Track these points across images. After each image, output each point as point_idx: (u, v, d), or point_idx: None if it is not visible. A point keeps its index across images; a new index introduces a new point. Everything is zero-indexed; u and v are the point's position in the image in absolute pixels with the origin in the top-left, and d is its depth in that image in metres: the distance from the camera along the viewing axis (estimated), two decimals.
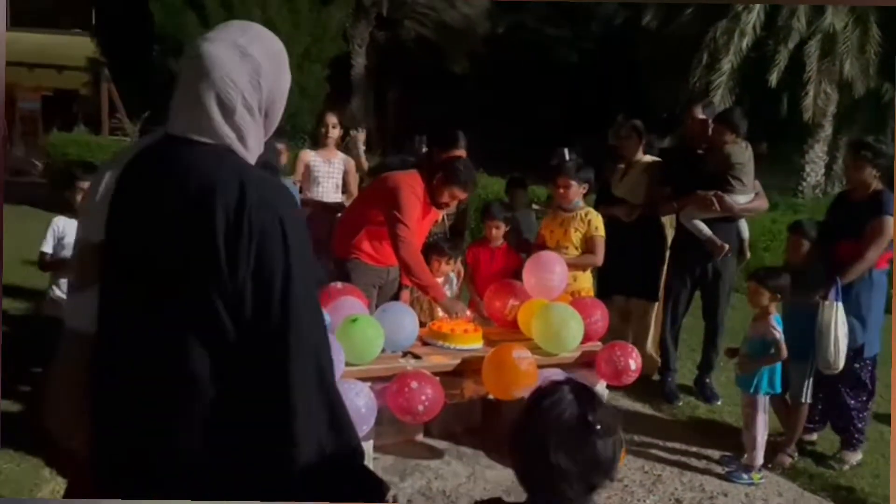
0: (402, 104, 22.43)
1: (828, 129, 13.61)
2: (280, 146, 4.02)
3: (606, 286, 5.16)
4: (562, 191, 4.20)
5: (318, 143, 4.83)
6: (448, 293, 4.23)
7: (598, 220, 4.17)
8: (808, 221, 4.07)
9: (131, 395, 1.34)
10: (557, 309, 3.56)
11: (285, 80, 1.45)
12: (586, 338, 3.69)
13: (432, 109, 21.04)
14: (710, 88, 13.36)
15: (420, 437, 3.87)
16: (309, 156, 4.68)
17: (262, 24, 1.39)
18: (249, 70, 1.37)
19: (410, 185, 3.70)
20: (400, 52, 20.55)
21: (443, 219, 4.53)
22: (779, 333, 3.60)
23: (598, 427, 1.35)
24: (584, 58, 20.81)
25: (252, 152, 1.41)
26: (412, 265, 3.63)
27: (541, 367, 3.51)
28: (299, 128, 16.63)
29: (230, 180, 1.31)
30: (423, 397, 3.06)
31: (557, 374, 3.46)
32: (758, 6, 12.51)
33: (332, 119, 4.78)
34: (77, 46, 21.28)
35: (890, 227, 3.57)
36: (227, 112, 1.36)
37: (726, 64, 13.10)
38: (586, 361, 3.67)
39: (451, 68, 20.81)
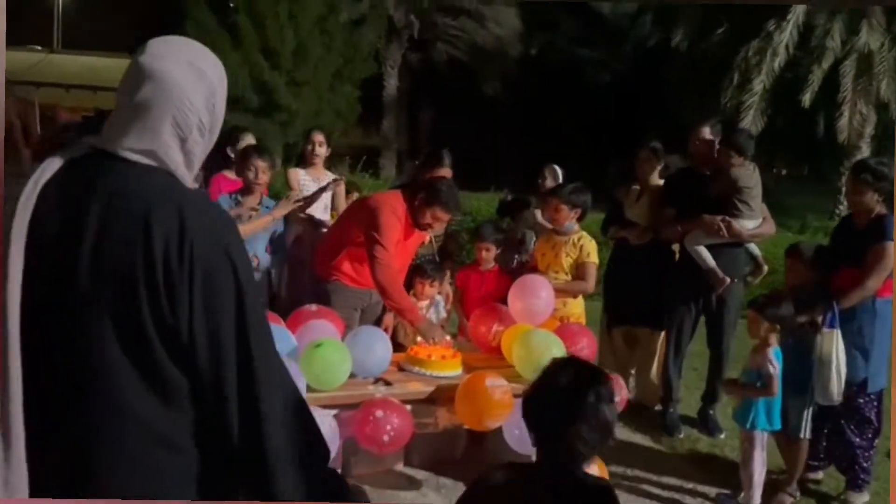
0: (435, 125, 22.53)
1: (865, 151, 13.22)
2: (262, 164, 3.98)
3: (612, 313, 5.02)
4: (552, 213, 4.08)
5: (306, 161, 4.78)
6: (434, 317, 4.14)
7: (590, 246, 4.03)
8: (807, 244, 3.88)
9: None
10: (539, 335, 3.42)
11: (225, 100, 1.41)
12: None
13: (464, 130, 21.14)
14: (741, 109, 13.14)
15: (400, 467, 3.75)
16: (298, 174, 4.65)
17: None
18: (206, 92, 1.33)
19: (391, 205, 3.61)
20: (432, 74, 20.66)
21: (431, 240, 4.44)
22: (773, 368, 3.40)
23: (606, 395, 1.67)
24: (616, 79, 20.65)
25: (193, 176, 1.37)
26: (387, 287, 3.53)
27: (520, 396, 3.38)
28: (331, 149, 16.83)
29: (169, 207, 1.24)
30: (389, 427, 2.94)
31: None
32: (790, 25, 12.24)
33: (318, 137, 4.74)
34: (117, 68, 21.96)
35: (891, 253, 3.37)
36: (182, 136, 1.31)
37: (758, 84, 12.85)
38: None
39: (484, 89, 20.82)
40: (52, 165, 1.30)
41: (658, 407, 4.74)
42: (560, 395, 1.68)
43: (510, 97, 20.65)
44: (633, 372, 4.99)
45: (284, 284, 4.45)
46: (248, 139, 4.77)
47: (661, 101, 16.26)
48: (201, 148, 1.36)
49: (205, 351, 1.23)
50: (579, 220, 4.19)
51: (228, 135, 4.82)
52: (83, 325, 1.21)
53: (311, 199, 4.40)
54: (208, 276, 1.22)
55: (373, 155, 18.78)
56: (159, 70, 1.29)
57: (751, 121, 12.58)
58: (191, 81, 1.30)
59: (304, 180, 4.63)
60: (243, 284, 1.26)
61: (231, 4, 16.05)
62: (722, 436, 4.43)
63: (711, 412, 4.56)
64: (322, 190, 4.47)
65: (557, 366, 1.77)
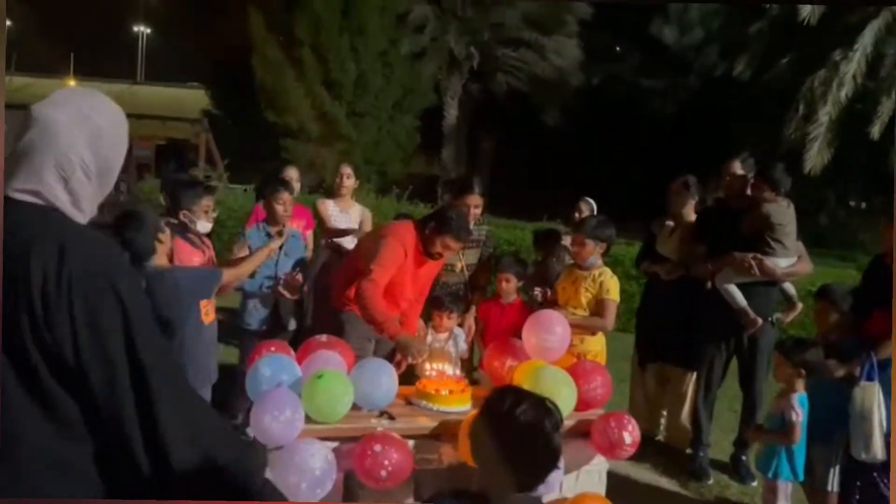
0: (494, 154, 22.60)
1: None
2: (289, 197, 4.10)
3: (643, 349, 4.90)
4: (576, 248, 4.02)
5: (334, 193, 4.87)
6: (454, 350, 4.11)
7: (611, 283, 3.95)
8: (840, 287, 3.69)
9: None
10: (548, 373, 3.35)
11: (123, 147, 1.48)
12: (584, 405, 3.45)
13: (523, 160, 21.13)
14: (806, 140, 12.70)
15: (409, 502, 3.71)
16: (327, 205, 4.73)
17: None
18: (89, 134, 1.39)
19: (400, 235, 3.63)
20: (492, 104, 20.79)
21: (463, 269, 4.42)
22: (797, 415, 3.24)
23: (555, 425, 1.76)
24: (680, 109, 20.32)
25: (86, 214, 1.43)
26: (366, 303, 3.48)
27: None
28: (390, 178, 17.09)
29: (49, 241, 1.30)
30: (387, 462, 2.92)
31: None
32: (857, 55, 11.81)
33: (346, 170, 4.83)
34: (191, 98, 22.90)
35: None
36: (65, 177, 1.37)
37: (824, 115, 12.43)
38: (582, 431, 3.42)
39: (543, 120, 20.81)
40: None
41: (689, 450, 4.56)
42: (513, 427, 1.73)
43: (570, 127, 20.57)
44: (663, 413, 4.83)
45: (310, 313, 4.52)
46: (292, 172, 4.89)
47: (726, 132, 15.92)
48: (90, 190, 1.41)
49: (98, 378, 1.28)
50: (605, 254, 4.11)
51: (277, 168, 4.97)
52: None
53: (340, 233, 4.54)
54: (90, 305, 1.27)
55: (433, 184, 18.97)
56: (44, 115, 1.37)
57: (816, 152, 12.16)
58: (73, 125, 1.37)
59: (333, 211, 4.72)
60: (129, 310, 1.30)
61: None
62: (754, 483, 4.23)
63: (744, 458, 4.37)
64: (345, 232, 4.58)
65: (501, 398, 1.80)
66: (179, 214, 3.61)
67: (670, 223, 4.75)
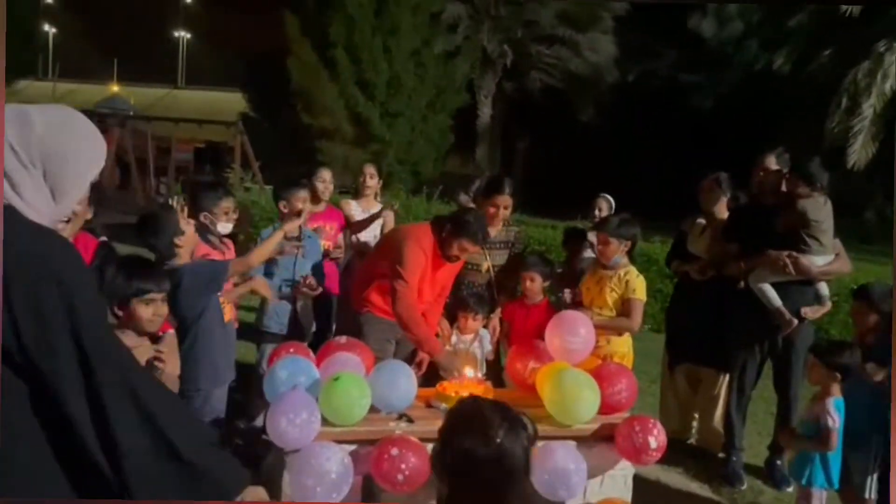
0: (529, 153, 22.48)
1: None
2: (305, 195, 4.08)
3: (674, 350, 4.78)
4: (600, 247, 3.92)
5: (358, 193, 4.85)
6: (479, 352, 4.05)
7: (637, 282, 3.84)
8: (879, 286, 3.53)
9: None
10: (570, 375, 3.27)
11: (75, 150, 1.51)
12: (609, 409, 3.36)
13: (558, 157, 20.96)
14: (849, 134, 12.33)
15: None
16: (351, 205, 4.72)
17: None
18: (20, 126, 1.43)
19: (417, 237, 3.59)
20: (526, 102, 20.67)
21: (489, 269, 4.35)
22: (833, 421, 3.10)
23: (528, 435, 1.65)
24: (718, 105, 19.92)
25: (35, 208, 1.44)
26: (405, 319, 3.49)
27: (554, 438, 3.24)
28: (424, 177, 17.09)
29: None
30: (403, 466, 2.87)
31: (566, 450, 3.18)
32: None
33: (370, 170, 4.81)
34: (227, 101, 23.24)
35: None
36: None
37: (868, 108, 12.05)
38: (607, 435, 3.33)
39: (578, 117, 20.63)
40: None
41: (722, 454, 4.43)
42: (489, 451, 1.60)
43: (605, 125, 20.35)
44: (695, 415, 4.71)
45: (335, 314, 4.50)
46: (325, 173, 4.89)
47: (766, 127, 15.57)
48: (29, 180, 1.43)
49: (44, 366, 1.31)
50: (629, 252, 4.01)
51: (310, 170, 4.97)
52: None
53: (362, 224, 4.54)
54: (31, 292, 1.30)
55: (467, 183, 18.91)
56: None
57: (860, 147, 11.80)
58: (9, 119, 1.42)
59: (356, 210, 4.70)
60: (74, 297, 1.33)
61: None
62: (790, 489, 4.07)
63: (779, 462, 4.22)
64: (372, 218, 4.55)
65: (483, 416, 1.67)
66: (199, 216, 3.62)
67: (701, 221, 4.62)
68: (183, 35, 42.08)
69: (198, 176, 15.90)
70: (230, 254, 3.73)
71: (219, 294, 3.27)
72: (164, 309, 2.63)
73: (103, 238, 2.98)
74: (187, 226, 3.19)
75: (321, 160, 15.21)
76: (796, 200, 4.06)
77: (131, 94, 28.68)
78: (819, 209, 4.06)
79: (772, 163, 4.32)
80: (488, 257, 4.20)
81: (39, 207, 1.45)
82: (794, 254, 4.03)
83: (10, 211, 1.40)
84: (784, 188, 4.20)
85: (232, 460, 1.54)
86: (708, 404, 4.59)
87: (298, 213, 3.94)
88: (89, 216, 2.32)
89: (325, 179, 4.75)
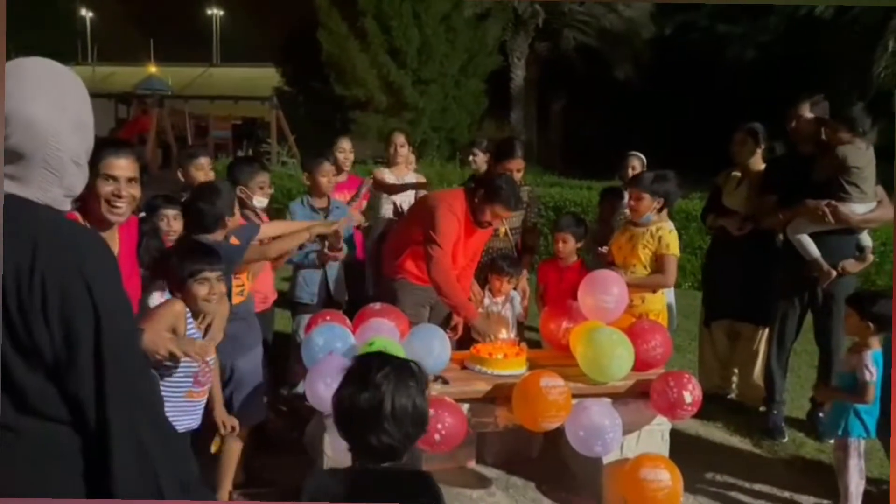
0: (566, 114, 22.15)
1: None
2: (329, 167, 4.14)
3: (711, 306, 4.75)
4: (633, 203, 3.89)
5: (389, 162, 4.88)
6: (510, 314, 4.09)
7: (670, 237, 3.80)
8: None
9: None
10: (604, 333, 3.29)
11: (90, 112, 1.40)
12: (644, 365, 3.38)
13: (595, 117, 20.62)
14: None
15: (472, 465, 3.74)
16: (383, 174, 4.75)
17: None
18: (70, 123, 1.34)
19: (449, 203, 3.61)
20: (560, 62, 20.32)
21: (507, 233, 4.35)
22: (870, 374, 3.06)
23: (418, 387, 1.65)
24: (760, 54, 19.29)
25: (28, 184, 1.32)
26: (441, 285, 3.54)
27: (589, 395, 3.27)
28: (459, 144, 17.01)
29: (23, 241, 1.26)
30: (440, 426, 2.94)
31: (601, 407, 3.21)
32: None
33: (399, 139, 4.82)
34: (261, 77, 23.37)
35: None
36: (58, 175, 1.34)
37: None
38: (642, 391, 3.35)
39: (615, 74, 20.20)
40: None
41: (762, 408, 4.41)
42: (369, 395, 1.62)
43: (643, 81, 19.90)
44: (735, 371, 4.68)
45: (370, 282, 4.56)
46: (345, 143, 4.92)
47: (811, 75, 15.06)
48: (82, 177, 1.38)
49: (69, 375, 1.27)
50: (664, 209, 3.96)
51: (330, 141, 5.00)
52: None
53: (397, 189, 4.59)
54: (63, 304, 1.25)
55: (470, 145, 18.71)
56: (21, 114, 1.29)
57: None
58: (53, 119, 1.31)
59: (389, 179, 4.73)
60: (100, 308, 1.27)
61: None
62: (832, 441, 4.04)
63: (821, 415, 4.16)
64: (406, 186, 4.59)
65: (363, 364, 1.70)
66: (236, 190, 3.68)
67: (736, 174, 4.54)
68: (216, 13, 42.26)
69: (237, 152, 16.03)
70: None
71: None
72: (221, 287, 2.68)
73: (142, 214, 3.03)
74: (236, 210, 3.26)
75: (355, 131, 15.26)
76: (835, 147, 3.97)
77: (168, 74, 29.00)
78: (860, 155, 3.95)
79: (805, 110, 4.21)
80: (504, 221, 4.20)
81: (74, 195, 1.39)
82: (833, 202, 3.94)
83: (33, 212, 1.31)
84: (823, 136, 4.10)
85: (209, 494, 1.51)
86: (747, 359, 4.55)
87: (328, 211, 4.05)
88: (138, 195, 2.35)
89: (344, 149, 4.80)
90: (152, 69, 31.63)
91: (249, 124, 20.88)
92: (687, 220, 7.85)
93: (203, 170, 3.85)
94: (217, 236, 3.19)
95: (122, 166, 2.31)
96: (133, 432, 1.32)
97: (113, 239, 2.39)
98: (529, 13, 18.68)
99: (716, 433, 4.22)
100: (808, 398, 4.42)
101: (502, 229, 4.11)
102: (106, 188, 2.30)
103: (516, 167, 3.99)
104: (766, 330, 4.41)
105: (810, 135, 4.16)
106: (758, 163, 4.46)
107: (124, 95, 25.90)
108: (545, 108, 21.93)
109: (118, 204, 2.28)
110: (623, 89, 20.04)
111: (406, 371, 1.68)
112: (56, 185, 1.33)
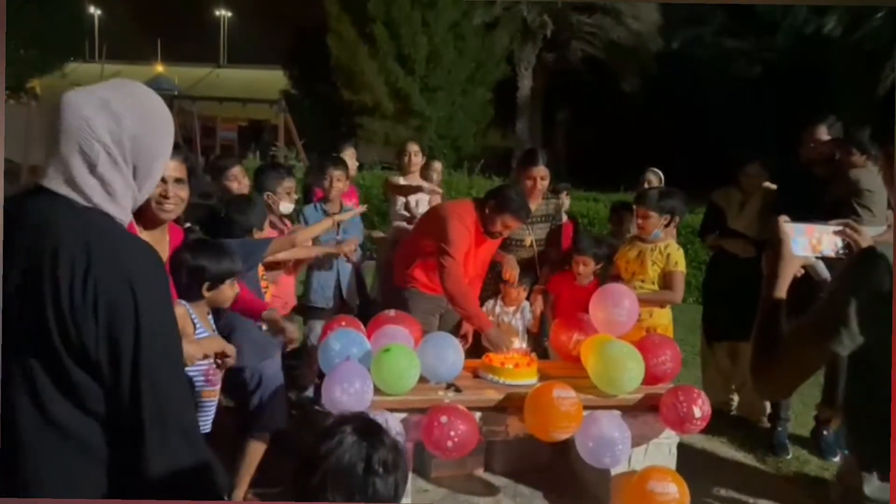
0: (571, 125, 22.23)
1: None
2: (336, 172, 4.17)
3: (711, 327, 4.78)
4: (640, 221, 3.93)
5: (403, 170, 4.93)
6: (520, 323, 4.12)
7: (677, 255, 3.85)
8: None
9: None
10: (615, 347, 3.33)
11: (158, 137, 1.45)
12: (653, 379, 3.42)
13: (600, 129, 20.69)
14: None
15: (480, 472, 3.78)
16: (398, 181, 4.81)
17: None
18: (107, 121, 1.37)
19: (459, 214, 3.65)
20: (567, 73, 20.40)
21: (532, 244, 4.38)
22: None
23: (379, 469, 1.39)
24: (767, 70, 19.37)
25: (123, 207, 1.42)
26: (455, 295, 3.58)
27: (598, 408, 3.31)
28: (465, 152, 17.07)
29: (77, 244, 1.31)
30: (453, 433, 2.99)
31: (610, 419, 3.25)
32: None
33: (414, 147, 4.87)
34: (269, 80, 23.43)
35: None
36: (91, 162, 1.36)
37: None
38: (651, 405, 3.39)
39: (622, 87, 20.28)
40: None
41: (767, 423, 4.45)
42: (322, 472, 1.40)
43: (649, 94, 19.98)
44: (733, 387, 4.73)
45: (379, 289, 4.61)
46: (349, 150, 4.96)
47: (817, 93, 15.14)
48: (121, 179, 1.40)
49: (109, 377, 1.31)
50: (670, 226, 4.01)
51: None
52: (9, 342, 1.31)
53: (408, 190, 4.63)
54: (111, 309, 1.29)
55: (508, 157, 18.82)
56: (63, 100, 1.37)
57: None
58: (90, 111, 1.36)
59: None
60: (142, 315, 1.31)
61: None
62: (836, 459, 4.09)
63: (825, 432, 4.22)
64: (417, 188, 4.64)
65: (326, 433, 1.45)
66: (263, 196, 3.73)
67: (737, 193, 4.57)
68: (224, 14, 42.38)
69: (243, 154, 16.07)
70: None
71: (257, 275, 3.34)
72: (237, 286, 2.72)
73: (188, 224, 3.03)
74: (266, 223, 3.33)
75: (361, 136, 15.31)
76: (848, 169, 4.01)
77: (175, 74, 29.07)
78: (873, 178, 3.99)
79: (823, 133, 4.26)
80: (531, 230, 4.23)
81: (126, 208, 1.43)
82: (852, 223, 3.97)
83: (88, 215, 1.36)
84: (837, 157, 4.14)
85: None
86: (749, 377, 4.58)
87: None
88: (185, 196, 2.36)
89: (348, 157, 4.86)
90: (160, 68, 31.71)
91: (255, 126, 20.92)
92: (692, 235, 7.89)
93: (237, 180, 3.79)
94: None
95: (170, 167, 2.30)
96: (166, 447, 1.36)
97: (163, 239, 2.42)
98: (538, 24, 18.76)
99: (720, 447, 4.27)
100: (812, 416, 4.46)
101: (528, 239, 4.14)
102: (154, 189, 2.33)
103: (539, 175, 4.01)
104: None
105: (827, 156, 4.21)
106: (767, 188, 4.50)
107: None
108: (551, 118, 22.01)
109: (167, 206, 2.31)
110: (629, 102, 20.13)
111: (375, 436, 1.47)
112: (88, 173, 1.37)
